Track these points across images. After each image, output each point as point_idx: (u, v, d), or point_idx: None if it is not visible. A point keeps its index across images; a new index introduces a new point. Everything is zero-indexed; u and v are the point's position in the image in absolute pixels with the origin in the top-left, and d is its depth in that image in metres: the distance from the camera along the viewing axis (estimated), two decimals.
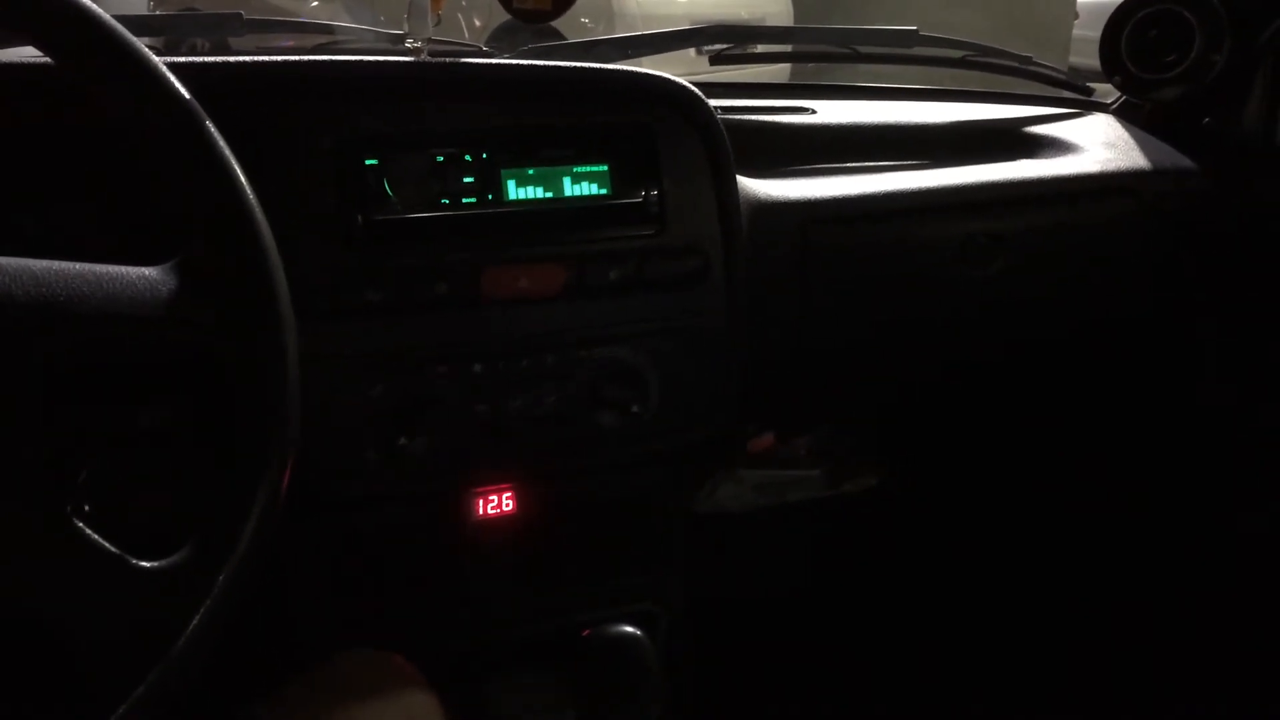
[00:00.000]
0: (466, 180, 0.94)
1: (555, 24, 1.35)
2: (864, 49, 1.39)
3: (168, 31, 1.49)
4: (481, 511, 1.06)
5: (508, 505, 1.07)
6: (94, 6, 0.62)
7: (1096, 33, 1.37)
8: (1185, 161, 1.36)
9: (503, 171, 0.95)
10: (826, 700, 1.60)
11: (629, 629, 1.04)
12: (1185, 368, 1.50)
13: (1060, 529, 1.67)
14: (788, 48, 1.52)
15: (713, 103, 1.03)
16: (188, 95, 0.64)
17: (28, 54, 0.81)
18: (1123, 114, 1.48)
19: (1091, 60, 1.39)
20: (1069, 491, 1.64)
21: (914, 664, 1.65)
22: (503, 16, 1.32)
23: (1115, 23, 1.36)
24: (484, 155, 0.94)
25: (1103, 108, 1.51)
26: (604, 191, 0.98)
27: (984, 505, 1.69)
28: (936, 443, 1.65)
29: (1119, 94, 1.46)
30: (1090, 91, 1.53)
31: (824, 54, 1.48)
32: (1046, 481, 1.64)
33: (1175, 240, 1.35)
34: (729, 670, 1.49)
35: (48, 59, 0.63)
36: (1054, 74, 1.49)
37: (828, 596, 1.69)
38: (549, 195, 0.96)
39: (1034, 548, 1.68)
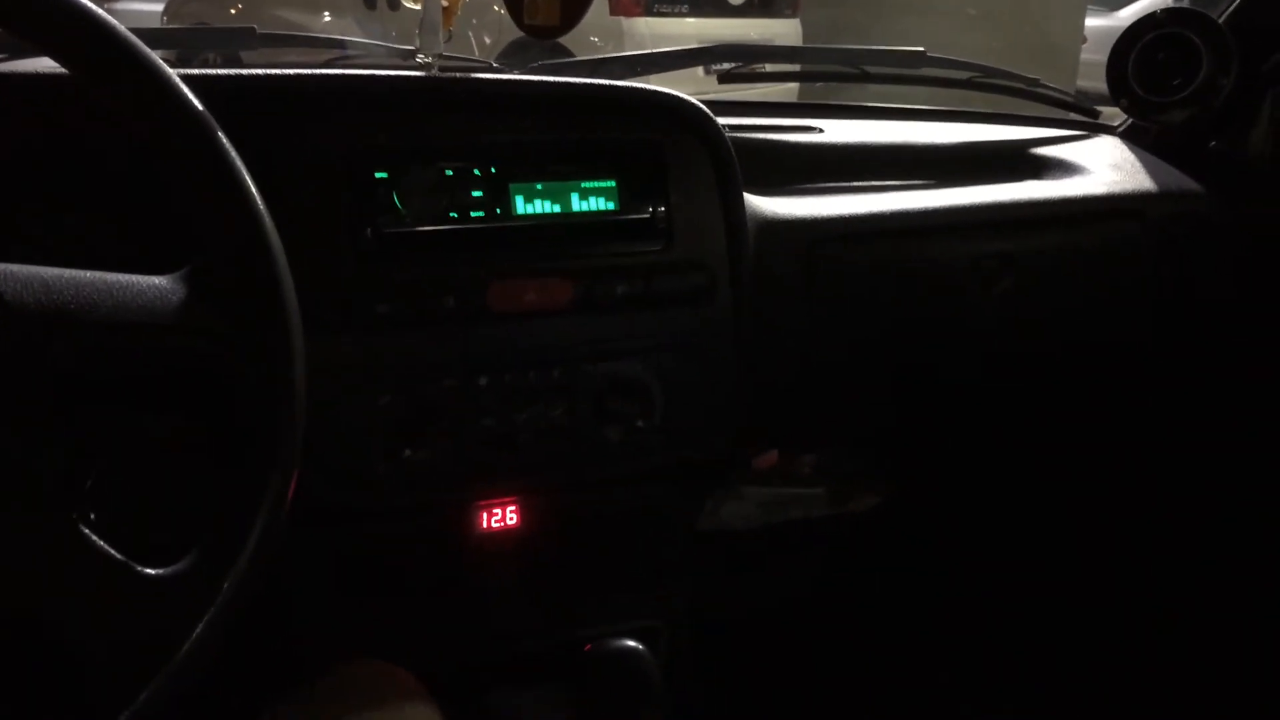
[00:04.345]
0: (475, 194, 0.94)
1: (566, 44, 1.35)
2: (872, 69, 1.40)
3: (181, 45, 1.50)
4: (486, 525, 1.06)
5: (512, 519, 1.07)
6: (109, 18, 0.62)
7: (1104, 57, 1.37)
8: (1191, 184, 1.37)
9: (511, 186, 0.95)
10: (829, 717, 1.59)
11: (631, 643, 1.04)
12: (1187, 388, 1.50)
13: (1064, 546, 1.66)
14: (796, 67, 1.53)
15: (721, 121, 1.03)
16: (200, 107, 0.65)
17: (44, 65, 0.82)
18: (1129, 137, 1.48)
19: (1099, 84, 1.40)
20: (1072, 510, 1.64)
21: (917, 680, 1.64)
22: (512, 35, 1.33)
23: (1122, 45, 1.36)
24: (493, 170, 0.95)
25: (1109, 130, 1.51)
26: (612, 207, 0.99)
27: (989, 522, 1.69)
28: (942, 461, 1.65)
29: (1125, 117, 1.47)
30: (1097, 114, 1.53)
31: (832, 74, 1.48)
32: (1050, 499, 1.64)
33: (1180, 262, 1.35)
34: (731, 686, 1.49)
35: (63, 70, 0.64)
36: (1061, 96, 1.49)
37: (830, 613, 1.68)
38: (557, 210, 0.97)
39: (1038, 564, 1.67)
